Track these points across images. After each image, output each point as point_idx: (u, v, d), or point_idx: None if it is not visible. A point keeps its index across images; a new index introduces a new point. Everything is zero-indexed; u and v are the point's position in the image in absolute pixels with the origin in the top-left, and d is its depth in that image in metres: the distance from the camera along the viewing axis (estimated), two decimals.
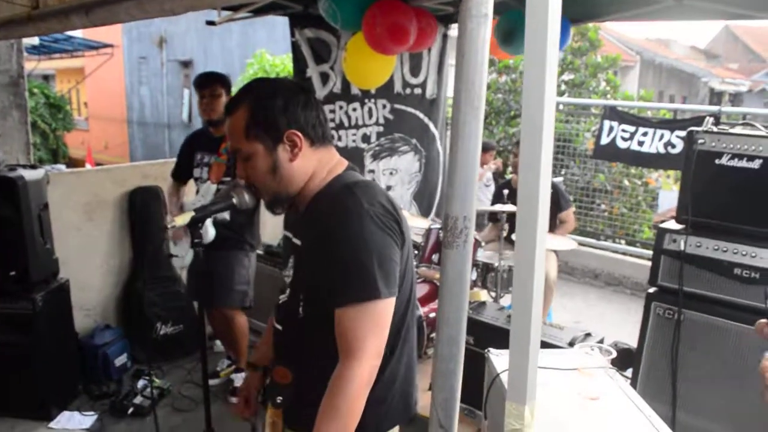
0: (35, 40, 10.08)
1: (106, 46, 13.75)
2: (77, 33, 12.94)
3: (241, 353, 3.86)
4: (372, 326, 1.41)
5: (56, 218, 3.75)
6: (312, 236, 1.54)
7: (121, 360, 4.10)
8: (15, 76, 4.53)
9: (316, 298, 1.52)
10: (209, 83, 3.61)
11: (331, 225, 1.46)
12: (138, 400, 3.69)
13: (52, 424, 3.52)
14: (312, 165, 1.56)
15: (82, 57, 15.84)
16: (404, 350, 1.60)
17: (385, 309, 1.44)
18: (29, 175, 3.46)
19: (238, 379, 3.80)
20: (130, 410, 3.63)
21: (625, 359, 3.20)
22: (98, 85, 19.88)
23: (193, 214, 1.94)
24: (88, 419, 3.58)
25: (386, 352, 1.51)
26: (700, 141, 2.73)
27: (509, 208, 3.99)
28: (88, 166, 13.52)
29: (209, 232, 3.20)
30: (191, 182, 3.79)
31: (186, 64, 17.94)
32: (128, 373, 4.14)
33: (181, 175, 3.80)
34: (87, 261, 4.24)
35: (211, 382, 3.91)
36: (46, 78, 21.19)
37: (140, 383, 3.89)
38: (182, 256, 3.30)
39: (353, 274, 1.42)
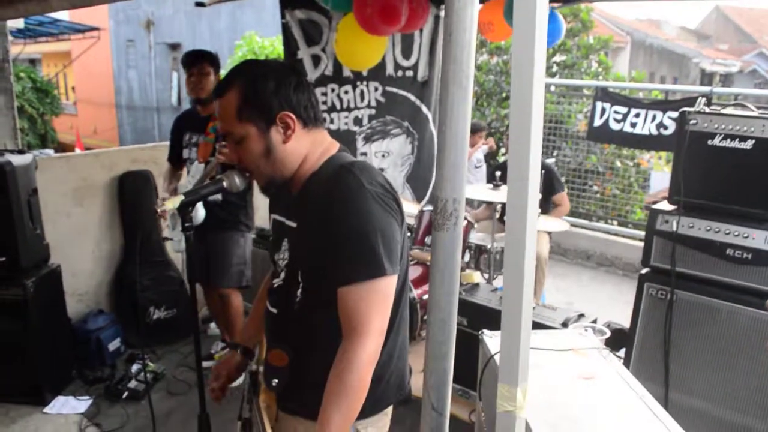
0: (20, 23, 9.92)
1: (92, 29, 13.56)
2: (63, 15, 12.76)
3: (236, 334, 3.85)
4: (377, 304, 1.42)
5: (46, 203, 3.73)
6: (310, 217, 1.53)
7: (114, 344, 4.09)
8: (0, 61, 4.46)
9: (317, 279, 1.51)
10: (197, 61, 3.56)
11: (333, 205, 1.46)
12: (132, 384, 3.70)
13: (47, 409, 3.53)
14: (305, 147, 1.55)
15: (69, 40, 15.66)
16: (400, 329, 1.61)
17: (389, 286, 1.45)
18: (17, 160, 3.42)
19: None
20: (125, 394, 3.64)
21: (618, 340, 3.22)
22: (86, 69, 19.66)
23: (182, 197, 1.92)
24: (83, 404, 3.59)
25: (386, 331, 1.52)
26: (692, 122, 2.73)
27: (500, 196, 3.94)
28: (77, 151, 13.42)
29: (199, 213, 3.20)
30: None
31: (174, 47, 17.76)
32: (122, 357, 4.14)
33: (175, 157, 3.76)
34: (78, 246, 4.22)
35: (206, 364, 3.91)
36: (33, 62, 20.94)
37: (134, 367, 3.90)
38: (177, 239, 3.28)
39: (358, 251, 1.42)
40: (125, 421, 3.44)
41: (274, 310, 1.66)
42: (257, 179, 1.60)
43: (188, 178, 3.53)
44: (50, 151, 11.09)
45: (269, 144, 1.51)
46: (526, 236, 1.02)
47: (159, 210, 1.90)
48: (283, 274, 1.63)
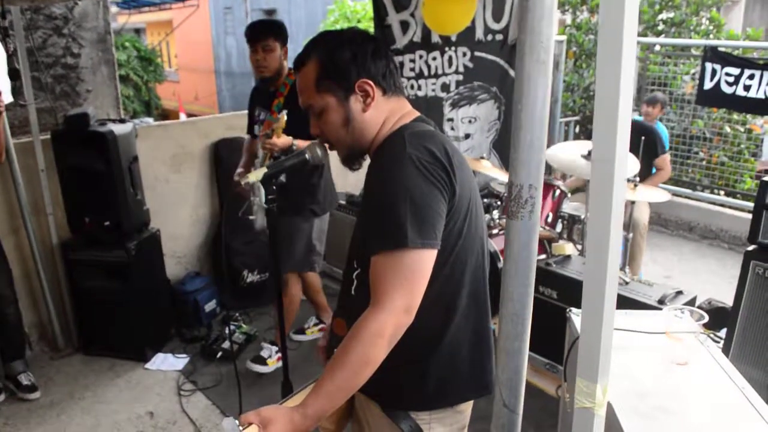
0: None
1: None
2: None
3: (288, 321, 3.63)
4: (399, 277, 1.31)
5: (146, 170, 3.90)
6: (366, 186, 1.52)
7: (210, 306, 4.27)
8: (102, 33, 4.64)
9: (363, 248, 1.48)
10: (262, 36, 3.24)
11: (375, 172, 1.44)
12: (226, 344, 3.85)
13: (148, 365, 3.76)
14: (384, 115, 1.52)
15: (170, 9, 16.22)
16: (469, 316, 1.51)
17: (416, 260, 1.32)
18: (119, 129, 3.59)
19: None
20: (219, 354, 3.79)
21: (718, 318, 3.03)
22: (186, 37, 20.35)
23: (265, 169, 1.93)
24: (181, 361, 3.79)
25: (443, 317, 1.46)
26: None
27: None
28: (182, 116, 13.99)
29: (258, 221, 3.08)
30: None
31: (270, 13, 18.07)
32: (217, 318, 4.32)
33: (251, 130, 3.62)
34: (176, 211, 4.40)
35: (298, 338, 4.00)
36: (138, 32, 21.89)
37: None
38: (254, 217, 3.14)
39: (384, 220, 1.35)
40: (219, 380, 3.60)
41: (343, 279, 1.67)
42: (338, 150, 1.59)
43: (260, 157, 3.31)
44: (150, 120, 11.58)
45: (349, 113, 1.49)
46: (611, 233, 0.91)
47: (242, 183, 1.91)
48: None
